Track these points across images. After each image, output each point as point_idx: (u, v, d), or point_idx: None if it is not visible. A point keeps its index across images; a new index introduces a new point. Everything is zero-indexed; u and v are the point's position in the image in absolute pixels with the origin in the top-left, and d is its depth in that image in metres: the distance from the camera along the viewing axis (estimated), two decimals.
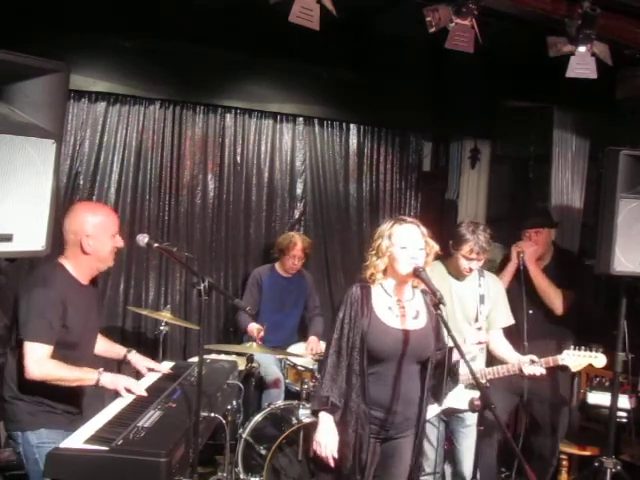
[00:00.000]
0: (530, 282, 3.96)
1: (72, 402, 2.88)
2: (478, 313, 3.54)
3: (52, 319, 2.69)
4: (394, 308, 2.83)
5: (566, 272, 4.06)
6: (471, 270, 3.48)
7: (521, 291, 3.77)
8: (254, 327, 4.42)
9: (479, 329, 3.39)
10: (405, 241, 2.78)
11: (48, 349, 2.70)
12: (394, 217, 2.95)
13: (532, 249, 4.03)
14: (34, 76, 2.26)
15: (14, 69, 2.21)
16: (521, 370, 3.38)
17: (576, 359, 3.44)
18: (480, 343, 3.40)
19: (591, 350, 3.48)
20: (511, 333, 3.69)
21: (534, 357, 3.38)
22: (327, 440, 2.75)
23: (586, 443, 4.38)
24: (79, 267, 2.85)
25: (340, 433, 2.76)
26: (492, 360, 3.62)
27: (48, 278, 2.74)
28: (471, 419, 3.40)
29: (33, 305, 2.69)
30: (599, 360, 3.47)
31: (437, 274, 3.44)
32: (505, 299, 3.66)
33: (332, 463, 2.75)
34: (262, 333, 4.30)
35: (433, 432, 3.47)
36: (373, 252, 2.85)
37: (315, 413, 2.84)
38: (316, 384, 2.94)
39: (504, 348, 3.56)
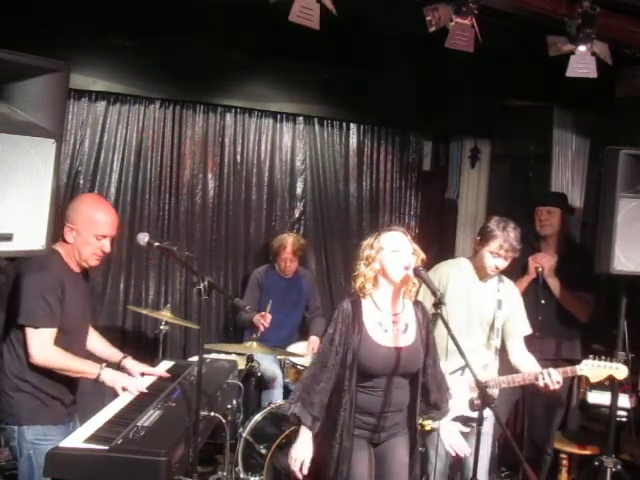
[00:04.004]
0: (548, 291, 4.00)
1: (70, 391, 2.90)
2: (494, 319, 3.44)
3: (52, 302, 2.70)
4: (384, 323, 2.82)
5: (585, 273, 3.98)
6: (497, 269, 3.36)
7: (536, 303, 3.74)
8: (257, 317, 4.44)
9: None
10: (396, 245, 2.79)
11: (51, 333, 2.71)
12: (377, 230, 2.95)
13: (550, 263, 4.03)
14: (34, 75, 2.26)
15: (14, 68, 2.21)
16: (537, 379, 3.25)
17: (595, 370, 3.31)
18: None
19: (612, 360, 3.36)
20: None
21: (551, 369, 3.24)
22: (298, 455, 2.78)
23: (586, 442, 4.38)
24: (68, 254, 2.85)
25: (324, 444, 2.78)
26: (504, 368, 3.52)
27: (45, 262, 2.72)
28: (484, 427, 3.29)
29: (31, 289, 2.69)
30: (620, 371, 3.34)
31: (461, 273, 3.42)
32: (523, 307, 3.55)
33: (299, 476, 2.77)
34: (268, 319, 4.37)
35: (440, 441, 3.37)
36: (362, 261, 2.84)
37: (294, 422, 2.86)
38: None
39: (521, 358, 3.43)
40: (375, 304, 2.84)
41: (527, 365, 3.39)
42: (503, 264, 3.35)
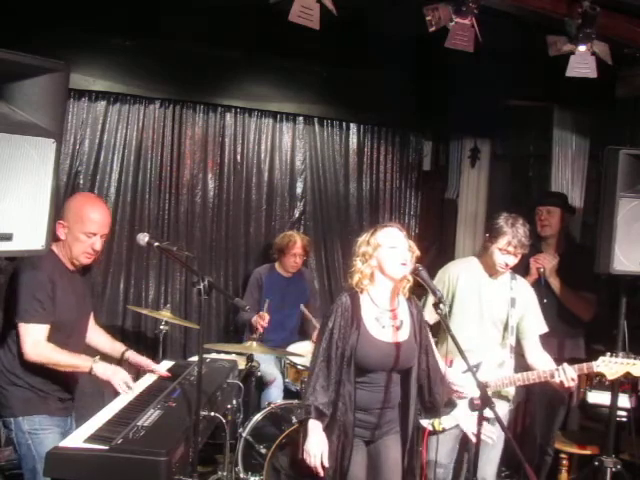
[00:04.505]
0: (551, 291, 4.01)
1: (65, 388, 2.90)
2: (508, 317, 3.39)
3: (43, 299, 2.73)
4: (381, 319, 2.82)
5: (588, 273, 3.88)
6: (507, 266, 3.30)
7: (541, 303, 3.73)
8: (256, 317, 4.44)
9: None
10: (393, 241, 2.78)
11: (44, 329, 2.73)
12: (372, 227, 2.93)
13: (552, 264, 4.02)
14: (34, 75, 2.26)
15: (14, 68, 2.21)
16: (552, 376, 3.19)
17: (612, 366, 3.23)
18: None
19: (629, 357, 3.30)
20: None
21: (566, 365, 3.18)
22: (316, 450, 2.72)
23: (586, 442, 4.37)
24: (61, 252, 2.86)
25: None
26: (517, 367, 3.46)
27: (37, 260, 2.74)
28: (496, 430, 3.16)
29: (24, 287, 2.72)
30: (638, 368, 3.25)
31: (471, 272, 3.39)
32: (537, 306, 3.49)
33: (321, 472, 2.73)
34: (266, 319, 4.35)
35: (445, 446, 3.30)
36: (358, 258, 2.83)
37: (303, 422, 2.80)
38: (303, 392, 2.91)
39: (537, 357, 3.37)
40: (372, 300, 2.84)
41: (543, 364, 3.32)
42: (513, 261, 3.31)
